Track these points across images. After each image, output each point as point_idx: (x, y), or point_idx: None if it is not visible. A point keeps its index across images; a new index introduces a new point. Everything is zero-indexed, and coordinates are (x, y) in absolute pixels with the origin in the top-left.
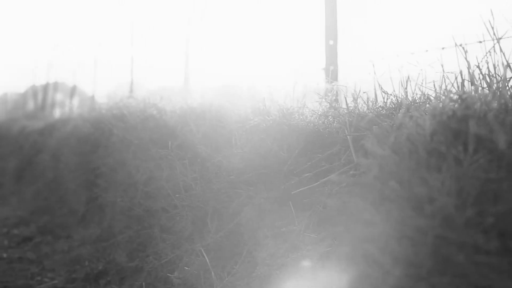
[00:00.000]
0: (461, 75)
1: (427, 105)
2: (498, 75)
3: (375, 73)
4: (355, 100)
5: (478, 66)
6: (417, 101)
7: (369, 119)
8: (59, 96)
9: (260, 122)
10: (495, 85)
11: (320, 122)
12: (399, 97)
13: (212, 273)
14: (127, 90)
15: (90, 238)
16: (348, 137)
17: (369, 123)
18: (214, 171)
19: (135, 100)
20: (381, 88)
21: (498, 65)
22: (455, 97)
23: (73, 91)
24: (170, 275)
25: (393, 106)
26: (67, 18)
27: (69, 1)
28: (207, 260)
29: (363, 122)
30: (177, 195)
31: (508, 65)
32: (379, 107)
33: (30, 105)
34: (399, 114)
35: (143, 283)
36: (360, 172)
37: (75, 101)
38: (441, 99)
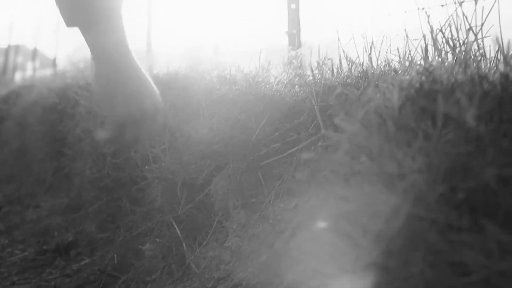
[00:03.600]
0: (425, 39)
1: (393, 74)
2: (461, 39)
3: (339, 40)
4: (320, 67)
5: (441, 30)
6: (383, 69)
7: (337, 93)
8: (20, 59)
9: (227, 92)
10: (458, 48)
11: (287, 90)
12: (364, 65)
13: (184, 244)
14: (88, 52)
15: (58, 208)
16: (315, 107)
17: (337, 95)
18: (183, 142)
19: None
20: (346, 56)
21: (460, 28)
22: (421, 69)
23: (34, 54)
24: (141, 247)
25: (359, 74)
26: None
27: None
28: (178, 232)
29: (332, 96)
30: (146, 167)
31: (471, 28)
32: (344, 76)
33: None
34: (366, 85)
35: (115, 255)
36: (328, 144)
37: (37, 64)
38: (408, 71)
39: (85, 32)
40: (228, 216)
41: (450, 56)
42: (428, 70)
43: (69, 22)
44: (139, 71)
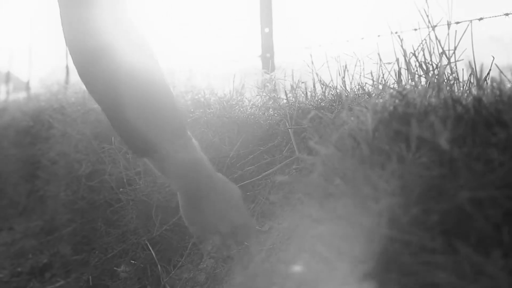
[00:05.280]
0: (398, 63)
1: (366, 97)
2: (434, 63)
3: (312, 63)
4: (294, 90)
5: (414, 54)
6: (356, 93)
7: (310, 115)
8: None
9: (201, 115)
10: (431, 72)
11: (261, 113)
12: (337, 88)
13: (159, 266)
14: (62, 75)
15: (33, 230)
16: (289, 130)
17: (311, 119)
18: None
19: (75, 93)
20: (320, 79)
21: (433, 52)
22: (395, 92)
23: (7, 77)
24: (116, 268)
25: (333, 98)
26: None
27: None
28: (153, 254)
29: (306, 120)
30: (121, 189)
31: (444, 52)
32: (318, 99)
33: None
34: (340, 109)
35: (90, 277)
36: (303, 166)
37: (10, 88)
38: (381, 94)
39: None
40: (203, 238)
41: (423, 80)
42: (401, 94)
43: None
44: None
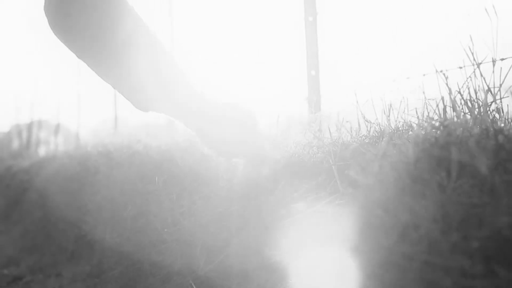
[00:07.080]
0: (443, 101)
1: (410, 133)
2: (479, 100)
3: (357, 102)
4: (338, 129)
5: (459, 92)
6: (400, 129)
7: (353, 149)
8: (43, 134)
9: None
10: (476, 109)
11: (305, 152)
12: (382, 125)
13: None
14: (111, 125)
15: (80, 275)
16: (332, 166)
17: (353, 153)
18: (202, 204)
19: (121, 136)
20: (364, 117)
21: (478, 90)
22: (437, 124)
23: (57, 129)
24: None
25: (376, 134)
26: (46, 54)
27: (46, 37)
28: None
29: (348, 152)
30: (165, 230)
31: (489, 89)
32: (362, 136)
33: (15, 144)
34: (382, 143)
35: None
36: (346, 201)
37: (60, 139)
38: (424, 126)
39: None
40: (248, 277)
41: (468, 117)
42: (443, 124)
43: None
44: None
